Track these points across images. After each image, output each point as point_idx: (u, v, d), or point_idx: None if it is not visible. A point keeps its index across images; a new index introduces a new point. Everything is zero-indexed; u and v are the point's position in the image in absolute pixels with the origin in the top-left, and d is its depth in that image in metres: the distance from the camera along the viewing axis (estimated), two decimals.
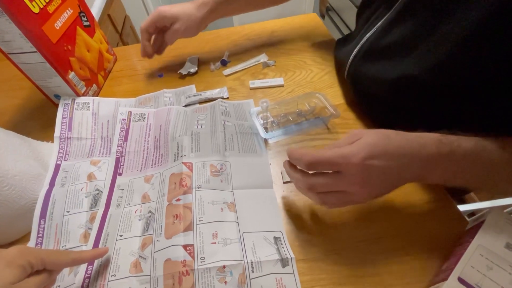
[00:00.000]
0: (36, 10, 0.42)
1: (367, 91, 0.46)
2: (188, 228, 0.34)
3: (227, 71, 0.58)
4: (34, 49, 0.43)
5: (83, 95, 0.53)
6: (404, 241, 0.34)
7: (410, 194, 0.38)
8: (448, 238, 0.34)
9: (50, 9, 0.45)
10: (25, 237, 0.38)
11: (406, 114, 0.42)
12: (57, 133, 0.47)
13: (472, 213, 0.88)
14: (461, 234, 0.34)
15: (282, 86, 0.54)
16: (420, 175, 0.30)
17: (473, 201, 1.09)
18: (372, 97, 0.45)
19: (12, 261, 0.24)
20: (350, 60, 0.47)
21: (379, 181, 0.29)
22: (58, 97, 0.52)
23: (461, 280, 0.28)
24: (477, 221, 0.33)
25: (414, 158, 0.28)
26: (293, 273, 0.32)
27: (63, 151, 0.46)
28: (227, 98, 0.53)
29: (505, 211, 0.77)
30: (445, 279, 0.28)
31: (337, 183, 0.29)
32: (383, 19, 0.41)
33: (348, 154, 0.28)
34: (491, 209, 0.32)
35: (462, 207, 0.88)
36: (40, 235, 0.38)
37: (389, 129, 0.30)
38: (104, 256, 0.34)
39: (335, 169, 0.29)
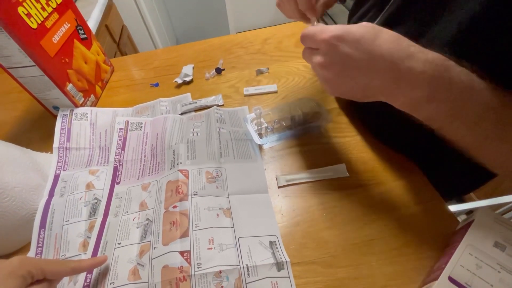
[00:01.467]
0: (34, 25, 0.43)
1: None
2: (185, 234, 0.35)
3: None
4: (33, 63, 0.44)
5: (81, 106, 0.54)
6: (396, 242, 0.35)
7: (401, 195, 0.39)
8: (439, 238, 0.35)
9: (48, 24, 0.46)
10: (25, 247, 0.39)
11: (398, 118, 0.42)
12: (56, 143, 0.48)
13: (470, 211, 0.88)
14: (452, 234, 0.35)
15: (275, 92, 0.56)
16: (391, 90, 0.27)
17: (471, 199, 1.09)
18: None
19: (13, 272, 0.24)
20: None
21: (341, 70, 0.28)
22: (56, 108, 0.53)
23: (451, 279, 0.28)
24: (467, 221, 0.33)
25: (390, 65, 0.25)
26: (289, 277, 0.33)
27: (62, 161, 0.47)
28: (222, 105, 0.55)
29: (497, 211, 0.77)
30: (436, 278, 0.29)
31: (310, 57, 0.30)
32: (374, 23, 0.42)
33: (324, 29, 0.27)
34: (479, 208, 0.33)
35: (460, 206, 0.89)
36: (40, 245, 0.38)
37: (392, 32, 0.27)
38: (103, 264, 0.34)
39: (314, 44, 0.29)
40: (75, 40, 0.53)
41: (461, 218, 0.36)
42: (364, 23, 0.27)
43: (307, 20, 0.39)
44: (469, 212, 0.88)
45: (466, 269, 0.29)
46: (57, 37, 0.48)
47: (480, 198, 1.06)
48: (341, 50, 0.27)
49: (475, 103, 0.26)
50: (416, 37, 0.34)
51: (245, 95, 0.56)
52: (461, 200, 1.07)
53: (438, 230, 0.35)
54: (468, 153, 0.29)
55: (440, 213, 0.37)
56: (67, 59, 0.51)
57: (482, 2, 0.27)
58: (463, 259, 0.29)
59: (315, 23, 0.34)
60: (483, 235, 0.31)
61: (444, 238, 0.34)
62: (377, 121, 0.45)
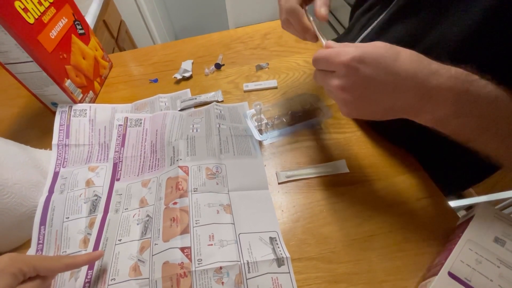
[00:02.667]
0: (31, 20, 0.43)
1: None
2: (185, 231, 0.35)
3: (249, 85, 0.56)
4: (30, 59, 0.44)
5: (80, 102, 0.54)
6: (397, 238, 0.35)
7: (401, 191, 0.39)
8: (440, 234, 0.35)
9: (45, 19, 0.46)
10: (26, 244, 0.39)
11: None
12: (55, 140, 0.48)
13: (469, 207, 0.89)
14: (452, 229, 0.35)
15: (275, 88, 0.55)
16: (416, 109, 0.27)
17: (470, 195, 1.09)
18: None
19: (3, 269, 0.24)
20: None
21: (363, 92, 0.27)
22: (55, 104, 0.52)
23: (451, 274, 0.28)
24: (467, 216, 0.34)
25: (415, 84, 0.25)
26: (289, 272, 0.33)
27: (61, 158, 0.47)
28: (222, 101, 0.54)
29: (497, 206, 0.78)
30: (436, 274, 0.29)
31: (326, 80, 0.29)
32: (378, 19, 0.41)
33: (340, 52, 0.26)
34: (480, 204, 0.33)
35: (460, 202, 0.89)
36: (40, 241, 0.38)
37: (410, 51, 0.26)
38: (98, 259, 0.34)
39: (330, 67, 0.28)
40: (73, 36, 0.53)
41: (460, 214, 0.36)
42: (379, 43, 0.26)
43: (314, 39, 0.37)
44: (469, 207, 0.88)
45: (466, 264, 0.29)
46: (55, 32, 0.48)
47: (479, 193, 1.06)
48: (362, 72, 0.25)
49: (504, 115, 0.26)
50: (419, 36, 0.34)
51: (245, 91, 0.55)
52: (461, 196, 1.07)
53: (438, 226, 0.35)
54: (499, 163, 0.30)
55: (440, 209, 0.37)
56: (65, 55, 0.50)
57: (487, 7, 0.27)
58: (463, 254, 0.29)
59: (324, 42, 0.32)
60: (483, 230, 0.31)
61: (444, 234, 0.35)
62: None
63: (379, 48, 0.26)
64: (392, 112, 0.28)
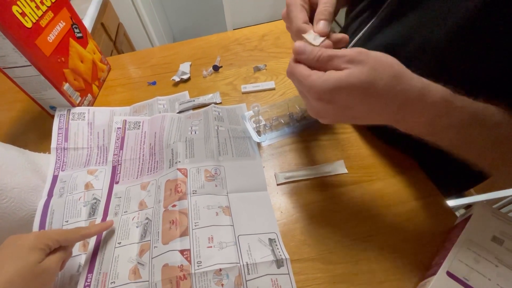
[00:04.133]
0: (29, 24, 0.43)
1: None
2: (184, 233, 0.35)
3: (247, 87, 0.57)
4: (28, 63, 0.44)
5: (78, 105, 0.54)
6: (395, 238, 0.35)
7: (400, 191, 0.39)
8: (438, 233, 0.35)
9: (43, 23, 0.46)
10: None
11: None
12: (53, 144, 0.48)
13: (468, 206, 0.89)
14: (450, 229, 0.35)
15: (273, 89, 0.55)
16: (394, 121, 0.27)
17: (470, 194, 1.10)
18: None
19: (33, 246, 0.29)
20: None
21: (337, 114, 0.27)
22: (53, 108, 0.52)
23: (449, 274, 0.28)
24: (465, 215, 0.34)
25: (392, 103, 0.25)
26: (288, 273, 0.33)
27: (60, 161, 0.47)
28: (220, 103, 0.54)
29: (495, 205, 0.78)
30: (435, 273, 0.29)
31: (301, 94, 0.29)
32: (368, 25, 0.42)
33: (311, 85, 0.25)
34: (477, 203, 0.33)
35: (458, 201, 0.89)
36: None
37: (397, 67, 0.25)
38: (109, 228, 0.38)
39: (303, 91, 0.27)
40: (70, 39, 0.53)
41: (460, 213, 0.36)
42: (353, 68, 0.24)
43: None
44: (468, 206, 0.89)
45: (464, 264, 0.29)
46: (53, 36, 0.48)
47: (478, 192, 1.06)
48: (336, 101, 0.25)
49: (484, 128, 0.27)
50: (407, 39, 0.34)
51: (243, 93, 0.56)
52: (459, 195, 1.07)
53: (437, 225, 0.36)
54: (484, 171, 0.30)
55: (438, 209, 0.37)
56: (63, 58, 0.50)
57: (470, 8, 0.27)
58: (461, 253, 0.30)
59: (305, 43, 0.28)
60: (481, 229, 0.31)
61: (442, 233, 0.35)
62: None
63: (352, 75, 0.24)
64: (370, 122, 0.28)
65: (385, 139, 0.45)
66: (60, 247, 0.32)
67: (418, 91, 0.25)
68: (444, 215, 0.37)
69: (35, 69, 0.45)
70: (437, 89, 0.25)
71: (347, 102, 0.25)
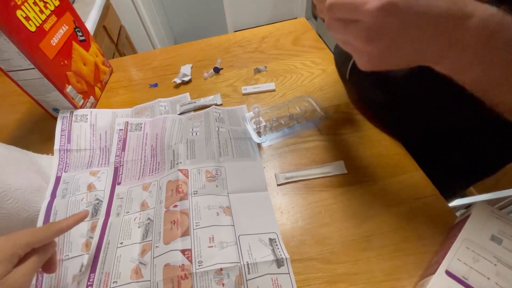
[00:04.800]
0: (32, 28, 0.44)
1: (367, 92, 0.47)
2: (186, 233, 0.35)
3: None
4: (32, 66, 0.45)
5: (81, 107, 0.55)
6: (395, 238, 0.35)
7: (399, 191, 0.39)
8: (437, 233, 0.35)
9: (46, 26, 0.47)
10: None
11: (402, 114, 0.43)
12: (56, 145, 0.48)
13: (469, 206, 0.89)
14: (449, 228, 0.35)
15: (273, 90, 0.56)
16: (441, 55, 0.24)
17: (471, 194, 1.10)
18: (371, 97, 0.47)
19: None
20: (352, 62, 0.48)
21: (391, 43, 0.24)
22: (56, 110, 0.53)
23: (448, 273, 0.29)
24: (464, 215, 0.34)
25: (447, 28, 0.22)
26: (289, 273, 0.33)
27: (63, 163, 0.48)
28: (221, 104, 0.55)
29: (496, 205, 0.78)
30: (434, 272, 0.29)
31: (346, 31, 0.25)
32: None
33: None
34: (476, 203, 0.33)
35: (459, 201, 0.89)
36: None
37: None
38: (84, 219, 0.34)
39: (353, 15, 0.24)
40: (73, 42, 0.54)
41: (459, 213, 0.37)
42: None
43: None
44: (468, 207, 0.88)
45: (463, 263, 0.29)
46: (56, 39, 0.49)
47: (480, 192, 1.06)
48: (394, 20, 0.22)
49: None
50: None
51: (244, 94, 0.56)
52: (459, 196, 1.07)
53: (436, 225, 0.36)
54: None
55: (438, 208, 0.37)
56: (66, 61, 0.51)
57: None
58: (460, 253, 0.30)
59: None
60: (479, 229, 0.31)
61: (442, 233, 0.35)
62: (387, 112, 0.45)
63: None
64: (413, 63, 0.26)
65: (387, 129, 0.45)
66: (34, 250, 0.27)
67: (478, 9, 0.22)
68: (444, 215, 0.37)
69: (38, 72, 0.46)
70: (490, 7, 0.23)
71: (404, 21, 0.22)
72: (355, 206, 0.39)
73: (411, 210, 0.37)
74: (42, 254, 0.27)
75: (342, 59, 0.55)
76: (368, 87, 0.46)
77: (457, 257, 0.30)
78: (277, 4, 2.04)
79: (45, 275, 0.36)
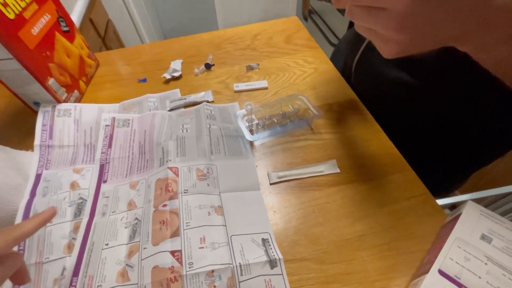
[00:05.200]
0: (11, 16, 0.41)
1: (371, 87, 0.48)
2: (175, 233, 0.34)
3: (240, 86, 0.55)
4: (11, 56, 0.42)
5: (64, 101, 0.52)
6: (387, 238, 0.35)
7: (391, 191, 0.39)
8: (429, 232, 0.35)
9: (27, 14, 0.44)
10: None
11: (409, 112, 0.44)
12: (37, 141, 0.46)
13: (453, 206, 0.91)
14: (440, 228, 0.35)
15: (266, 88, 0.55)
16: (469, 36, 0.23)
17: (454, 194, 1.13)
18: (376, 92, 0.48)
19: None
20: (358, 55, 0.49)
21: (422, 29, 0.23)
22: (37, 104, 0.50)
23: (441, 272, 0.29)
24: (454, 214, 0.34)
25: (479, 8, 0.21)
26: (282, 274, 0.33)
27: (44, 159, 0.45)
28: (212, 101, 0.53)
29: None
30: (427, 272, 0.29)
31: (373, 19, 0.24)
32: None
33: None
34: (466, 202, 0.34)
35: (443, 201, 0.91)
36: (21, 248, 0.36)
37: None
38: (51, 219, 0.28)
39: (381, 2, 0.23)
40: (56, 33, 0.51)
41: (445, 213, 0.37)
42: None
43: None
44: (453, 206, 0.91)
45: (455, 262, 0.29)
46: (37, 29, 0.46)
47: (462, 192, 1.10)
48: (426, 6, 0.21)
49: None
50: None
51: (235, 91, 0.55)
52: (447, 195, 1.10)
53: (427, 224, 0.36)
54: None
55: (429, 208, 0.38)
56: (48, 52, 0.48)
57: None
58: (452, 252, 0.30)
59: None
60: (470, 228, 0.31)
61: (433, 232, 0.35)
62: (412, 93, 0.45)
63: None
64: (441, 44, 0.25)
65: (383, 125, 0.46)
66: None
67: None
68: (434, 214, 0.37)
69: (17, 63, 0.43)
70: None
71: (437, 5, 0.21)
72: (348, 206, 0.38)
73: (402, 210, 0.38)
74: (3, 269, 0.22)
75: (349, 49, 0.55)
76: (384, 74, 0.46)
77: (449, 256, 0.30)
78: (269, 3, 2.03)
79: None
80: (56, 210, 0.28)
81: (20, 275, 0.25)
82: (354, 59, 0.53)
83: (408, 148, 0.44)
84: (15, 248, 0.36)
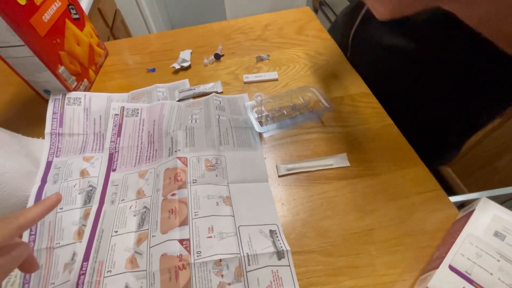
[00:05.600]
0: (22, 2, 0.41)
1: (367, 58, 0.50)
2: (184, 222, 0.34)
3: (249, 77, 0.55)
4: (22, 43, 0.42)
5: (74, 90, 0.52)
6: (396, 232, 0.35)
7: (402, 185, 0.39)
8: (439, 228, 0.35)
9: (38, 1, 0.44)
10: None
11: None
12: (47, 129, 0.46)
13: (461, 205, 0.90)
14: (451, 224, 0.35)
15: (276, 80, 0.54)
16: None
17: (462, 192, 1.11)
18: (372, 60, 0.50)
19: None
20: (356, 24, 0.51)
21: None
22: (48, 92, 0.50)
23: (451, 267, 0.28)
24: (467, 210, 0.34)
25: None
26: (289, 265, 0.33)
27: (55, 147, 0.45)
28: (221, 92, 0.53)
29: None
30: (437, 267, 0.29)
31: None
32: None
33: None
34: (481, 199, 0.33)
35: (452, 199, 0.90)
36: (32, 233, 0.37)
37: None
38: (56, 206, 0.26)
39: None
40: (67, 20, 0.51)
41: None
42: None
43: None
44: (461, 205, 0.90)
45: (467, 258, 0.29)
46: (48, 15, 0.46)
47: (471, 191, 1.08)
48: None
49: None
50: None
51: (245, 82, 0.54)
52: (452, 191, 1.09)
53: (438, 220, 0.36)
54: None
55: (439, 204, 0.37)
56: (58, 40, 0.48)
57: None
58: (464, 248, 0.29)
59: None
60: (483, 225, 0.31)
61: (443, 228, 0.35)
62: (405, 58, 0.47)
63: None
64: (426, 3, 0.26)
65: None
66: None
67: None
68: (445, 210, 0.37)
69: (29, 50, 0.43)
70: None
71: None
72: (357, 200, 0.38)
73: (412, 205, 0.37)
74: (8, 259, 0.21)
75: (346, 22, 0.57)
76: (380, 42, 0.48)
77: (460, 252, 0.29)
78: None
79: None
80: (61, 197, 0.27)
81: (28, 264, 0.24)
82: (351, 31, 0.54)
83: (403, 117, 0.45)
84: (27, 234, 0.37)
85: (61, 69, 0.49)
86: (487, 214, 0.31)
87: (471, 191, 1.10)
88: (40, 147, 0.45)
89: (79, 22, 0.54)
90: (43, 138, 0.46)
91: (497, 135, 0.97)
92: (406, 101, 0.49)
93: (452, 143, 0.55)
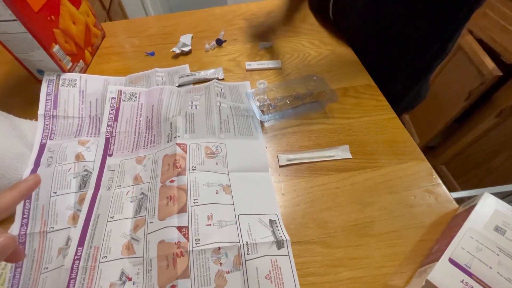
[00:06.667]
0: None
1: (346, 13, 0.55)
2: (183, 209, 0.33)
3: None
4: (14, 17, 0.40)
5: (69, 71, 0.50)
6: (396, 225, 0.35)
7: (402, 179, 0.39)
8: (438, 222, 0.35)
9: None
10: (9, 219, 0.36)
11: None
12: (41, 110, 0.44)
13: (460, 200, 0.91)
14: (451, 218, 0.35)
15: (279, 68, 0.53)
16: None
17: (455, 190, 1.13)
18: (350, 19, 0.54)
19: None
20: None
21: None
22: (41, 72, 0.48)
23: (451, 260, 0.28)
24: (468, 205, 0.34)
25: None
26: (288, 255, 0.33)
27: (48, 129, 0.44)
28: (223, 79, 0.52)
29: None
30: (437, 260, 0.29)
31: None
32: None
33: None
34: (483, 194, 0.33)
35: (452, 195, 0.91)
36: (25, 216, 0.36)
37: None
38: (37, 186, 0.24)
39: None
40: None
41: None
42: None
43: None
44: (460, 200, 0.91)
45: (467, 251, 0.29)
46: None
47: (464, 189, 1.10)
48: None
49: None
50: None
51: (247, 70, 0.53)
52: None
53: (438, 214, 0.36)
54: None
55: (440, 198, 0.37)
56: (53, 17, 0.46)
57: None
58: (464, 241, 0.29)
59: None
60: (484, 219, 0.31)
61: (443, 222, 0.35)
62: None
63: None
64: None
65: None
66: None
67: None
68: (445, 204, 0.37)
69: (21, 25, 0.41)
70: None
71: None
72: (358, 192, 0.38)
73: (413, 198, 0.37)
74: None
75: None
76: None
77: (460, 245, 0.29)
78: None
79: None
80: (39, 179, 0.24)
81: (13, 256, 0.22)
82: (329, 5, 0.58)
83: (370, 60, 0.51)
84: (19, 217, 0.36)
85: (56, 48, 0.47)
86: (488, 209, 0.31)
87: (464, 189, 1.12)
88: (33, 129, 0.43)
89: (75, 0, 0.52)
90: (36, 120, 0.44)
91: (493, 135, 0.98)
92: (369, 53, 0.54)
93: (402, 88, 0.58)
